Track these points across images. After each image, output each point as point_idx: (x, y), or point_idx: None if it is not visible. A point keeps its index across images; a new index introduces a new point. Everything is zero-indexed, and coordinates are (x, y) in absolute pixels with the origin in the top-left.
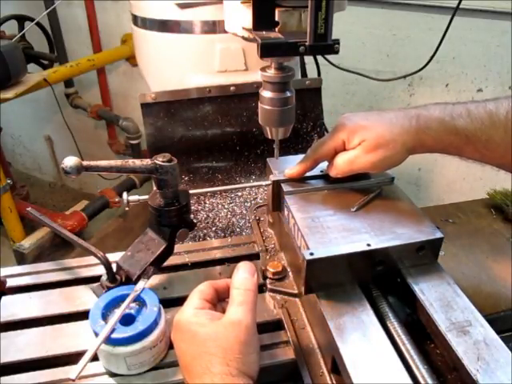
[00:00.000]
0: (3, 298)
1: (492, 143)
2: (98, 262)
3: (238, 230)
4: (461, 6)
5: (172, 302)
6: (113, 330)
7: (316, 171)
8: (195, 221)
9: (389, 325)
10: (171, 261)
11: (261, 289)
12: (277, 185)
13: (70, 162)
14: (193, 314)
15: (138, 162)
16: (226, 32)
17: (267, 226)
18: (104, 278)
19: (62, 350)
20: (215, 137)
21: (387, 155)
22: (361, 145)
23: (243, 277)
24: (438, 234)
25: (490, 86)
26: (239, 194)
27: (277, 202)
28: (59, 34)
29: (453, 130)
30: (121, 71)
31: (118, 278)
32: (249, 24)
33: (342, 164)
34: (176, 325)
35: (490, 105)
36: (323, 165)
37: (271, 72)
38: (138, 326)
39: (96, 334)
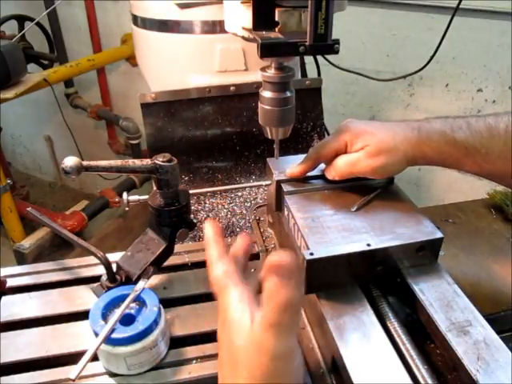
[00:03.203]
0: (3, 297)
1: (491, 156)
2: (98, 261)
3: (238, 230)
4: (461, 6)
5: (172, 302)
6: (113, 330)
7: (316, 171)
8: (195, 221)
9: (389, 325)
10: (171, 261)
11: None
12: (279, 185)
13: (70, 161)
14: (237, 309)
15: (138, 162)
16: (226, 32)
17: (267, 226)
18: (104, 278)
19: (61, 350)
20: (215, 137)
21: (388, 162)
22: (363, 149)
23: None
24: (438, 234)
25: (489, 86)
26: (239, 194)
27: (279, 201)
28: (59, 34)
29: (452, 142)
30: (121, 71)
31: (118, 278)
32: (249, 24)
33: (343, 165)
34: (222, 309)
35: (490, 119)
36: (323, 165)
37: (271, 72)
38: (138, 326)
39: (96, 334)
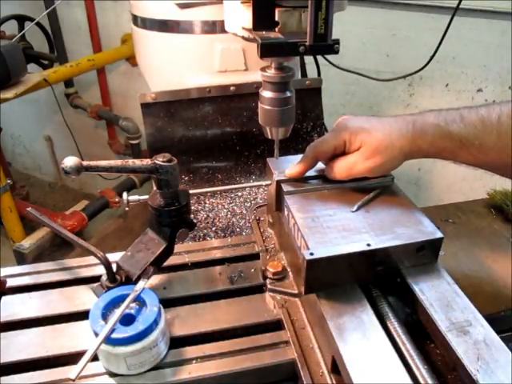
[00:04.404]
0: (3, 297)
1: (485, 147)
2: (98, 261)
3: (237, 229)
4: (461, 6)
5: (172, 302)
6: (113, 330)
7: (315, 171)
8: (195, 221)
9: (389, 325)
10: (171, 261)
11: (261, 289)
12: (279, 185)
13: (69, 161)
14: None
15: (138, 162)
16: (226, 32)
17: (267, 226)
18: (104, 278)
19: (61, 350)
20: (215, 137)
21: (385, 161)
22: (359, 151)
23: None
24: (438, 234)
25: (489, 86)
26: (239, 194)
27: (279, 201)
28: (59, 34)
29: (447, 135)
30: (121, 71)
31: (118, 278)
32: (249, 24)
33: (341, 169)
34: None
35: (482, 110)
36: (319, 165)
37: (271, 72)
38: (138, 326)
39: (96, 334)
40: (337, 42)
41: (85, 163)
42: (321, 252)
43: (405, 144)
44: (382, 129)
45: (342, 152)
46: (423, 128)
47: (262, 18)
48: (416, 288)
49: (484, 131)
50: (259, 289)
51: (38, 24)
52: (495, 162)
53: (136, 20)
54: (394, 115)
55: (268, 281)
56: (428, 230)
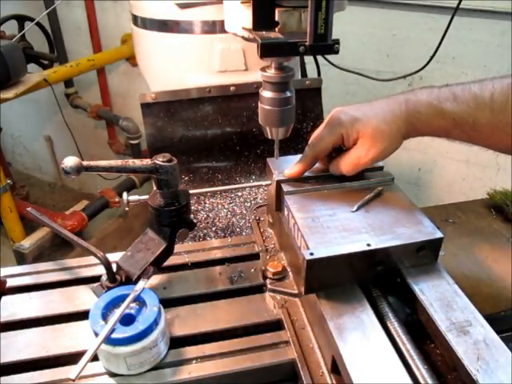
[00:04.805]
0: (3, 297)
1: (478, 125)
2: (98, 261)
3: (237, 229)
4: (461, 6)
5: (172, 302)
6: (113, 330)
7: (315, 172)
8: (195, 221)
9: (389, 325)
10: (171, 261)
11: (261, 289)
12: (279, 185)
13: (69, 162)
14: None
15: (138, 162)
16: (226, 32)
17: (267, 226)
18: (104, 278)
19: (62, 350)
20: (215, 137)
21: (385, 146)
22: (359, 143)
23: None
24: (438, 234)
25: None
26: (239, 194)
27: (279, 201)
28: (59, 34)
29: (440, 114)
30: (121, 71)
31: (118, 278)
32: (249, 24)
33: (347, 165)
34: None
35: (475, 87)
36: (319, 166)
37: (271, 72)
38: (138, 326)
39: (96, 334)
40: (337, 42)
41: (85, 163)
42: (321, 252)
43: (400, 125)
44: (375, 115)
45: (340, 145)
46: (416, 107)
47: (262, 18)
48: (416, 288)
49: (477, 109)
50: (259, 289)
51: (38, 24)
52: (489, 138)
53: (136, 20)
54: (386, 96)
55: (268, 281)
56: (428, 230)
